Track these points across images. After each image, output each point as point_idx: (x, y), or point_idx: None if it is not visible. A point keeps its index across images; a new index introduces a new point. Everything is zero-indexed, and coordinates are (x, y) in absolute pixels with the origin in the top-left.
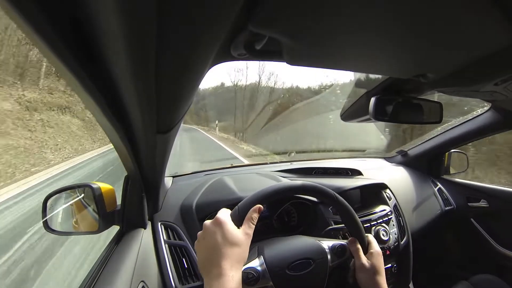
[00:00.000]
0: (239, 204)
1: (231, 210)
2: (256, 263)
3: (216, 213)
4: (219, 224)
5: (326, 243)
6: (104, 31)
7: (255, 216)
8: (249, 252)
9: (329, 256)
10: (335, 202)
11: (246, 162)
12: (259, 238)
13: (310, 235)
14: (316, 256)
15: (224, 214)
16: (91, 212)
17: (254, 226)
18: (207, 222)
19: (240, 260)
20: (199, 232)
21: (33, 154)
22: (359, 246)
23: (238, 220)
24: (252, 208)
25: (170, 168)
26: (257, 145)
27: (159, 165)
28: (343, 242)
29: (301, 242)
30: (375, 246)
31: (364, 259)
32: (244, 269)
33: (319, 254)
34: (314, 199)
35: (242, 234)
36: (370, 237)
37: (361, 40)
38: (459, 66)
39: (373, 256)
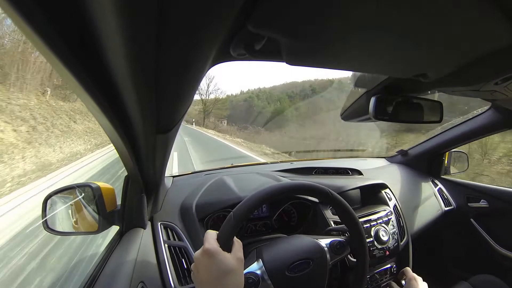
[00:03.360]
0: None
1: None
2: (255, 267)
3: (215, 214)
4: (210, 255)
5: (324, 241)
6: (103, 31)
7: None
8: (247, 256)
9: (328, 255)
10: (329, 199)
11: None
12: (259, 239)
13: (310, 234)
14: (315, 256)
15: (212, 243)
16: (91, 212)
17: (242, 248)
18: (198, 254)
19: (237, 287)
20: (192, 265)
21: None
22: (411, 277)
23: (226, 244)
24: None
25: None
26: None
27: (159, 165)
28: (341, 239)
29: (299, 242)
30: (411, 273)
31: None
32: (244, 273)
33: (318, 253)
34: (314, 199)
35: (234, 260)
36: (408, 271)
37: (360, 39)
38: (459, 65)
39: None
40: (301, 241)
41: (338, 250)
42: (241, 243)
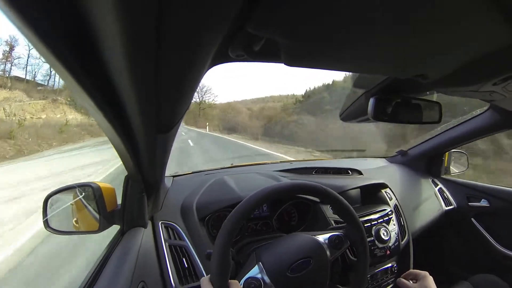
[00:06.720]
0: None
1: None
2: (255, 271)
3: (216, 214)
4: None
5: (323, 237)
6: (103, 32)
7: None
8: (247, 260)
9: (327, 251)
10: (323, 194)
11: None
12: (258, 238)
13: None
14: (314, 253)
15: None
16: (91, 211)
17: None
18: None
19: None
20: None
21: None
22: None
23: (220, 283)
24: None
25: None
26: None
27: (159, 165)
28: (339, 233)
29: (298, 241)
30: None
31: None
32: (245, 279)
33: (317, 250)
34: (314, 198)
35: None
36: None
37: (359, 40)
38: (458, 66)
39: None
40: (300, 240)
41: (337, 245)
42: (237, 283)
